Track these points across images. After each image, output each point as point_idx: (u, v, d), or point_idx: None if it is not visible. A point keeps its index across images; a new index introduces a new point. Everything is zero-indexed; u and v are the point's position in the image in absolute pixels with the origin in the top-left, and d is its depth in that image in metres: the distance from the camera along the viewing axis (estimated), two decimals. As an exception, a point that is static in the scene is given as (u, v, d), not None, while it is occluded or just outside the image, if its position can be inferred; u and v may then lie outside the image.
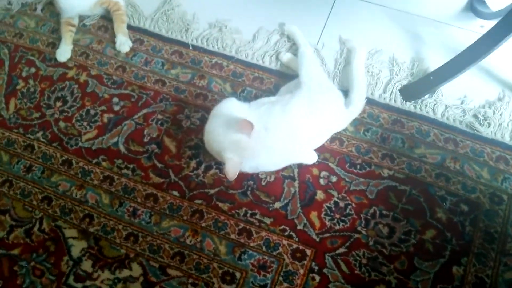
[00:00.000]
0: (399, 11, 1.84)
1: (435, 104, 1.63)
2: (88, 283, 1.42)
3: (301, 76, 1.54)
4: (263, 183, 1.53)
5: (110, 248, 1.46)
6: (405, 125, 1.60)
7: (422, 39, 1.77)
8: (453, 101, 1.63)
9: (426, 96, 1.64)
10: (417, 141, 1.57)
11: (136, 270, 1.43)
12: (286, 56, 1.74)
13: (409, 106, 1.63)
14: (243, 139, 1.32)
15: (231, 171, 1.32)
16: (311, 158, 1.52)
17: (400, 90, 1.66)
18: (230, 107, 1.45)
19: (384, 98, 1.65)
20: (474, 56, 1.45)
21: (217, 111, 1.45)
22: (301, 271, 1.40)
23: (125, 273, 1.43)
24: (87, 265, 1.44)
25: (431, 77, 1.60)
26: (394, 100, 1.65)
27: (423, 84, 1.63)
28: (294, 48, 1.75)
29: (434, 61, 1.69)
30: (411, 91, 1.65)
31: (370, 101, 1.63)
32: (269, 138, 1.38)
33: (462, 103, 1.63)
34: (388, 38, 1.78)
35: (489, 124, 1.57)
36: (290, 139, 1.42)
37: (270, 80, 1.71)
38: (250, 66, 1.74)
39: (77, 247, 1.47)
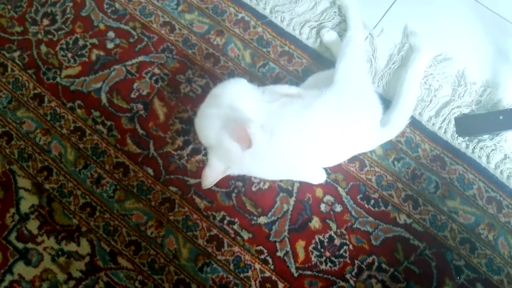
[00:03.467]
0: (492, 12, 1.40)
1: (492, 150, 1.28)
2: (30, 245, 1.25)
3: (337, 70, 1.18)
4: (254, 189, 1.27)
5: (62, 214, 1.26)
6: (447, 166, 1.27)
7: (508, 59, 1.36)
8: (517, 154, 1.28)
9: (485, 137, 1.29)
10: (454, 190, 1.25)
11: (84, 248, 1.24)
12: (329, 35, 1.36)
13: (460, 143, 1.29)
14: (236, 150, 1.04)
15: (208, 179, 1.06)
16: (317, 177, 1.24)
17: (456, 119, 1.31)
18: (237, 92, 1.13)
19: (433, 124, 1.30)
20: None
21: (219, 93, 1.13)
22: (265, 307, 1.19)
23: (72, 247, 1.24)
24: (33, 225, 1.26)
25: (501, 117, 1.24)
26: (445, 130, 1.30)
27: (488, 120, 1.27)
28: (342, 26, 1.37)
29: (513, 94, 1.30)
30: (469, 124, 1.30)
31: (414, 123, 1.30)
32: (272, 147, 1.08)
33: (528, 159, 1.28)
34: (466, 44, 1.38)
35: (552, 198, 1.23)
36: (299, 151, 1.12)
37: (301, 61, 1.36)
38: (282, 35, 1.38)
39: (28, 201, 1.28)
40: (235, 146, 1.02)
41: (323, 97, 1.12)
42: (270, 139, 1.07)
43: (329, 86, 1.14)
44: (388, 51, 1.37)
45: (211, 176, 1.07)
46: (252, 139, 0.98)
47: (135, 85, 1.36)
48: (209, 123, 1.08)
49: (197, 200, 1.27)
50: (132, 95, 1.35)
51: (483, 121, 1.28)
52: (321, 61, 1.36)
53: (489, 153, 1.28)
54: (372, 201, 1.25)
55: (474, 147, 1.29)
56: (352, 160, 1.27)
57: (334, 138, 1.12)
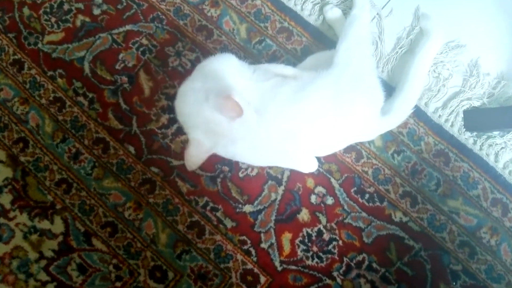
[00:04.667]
0: (515, -3, 1.27)
1: (502, 148, 1.18)
2: (1, 220, 1.18)
3: (337, 51, 1.09)
4: (241, 175, 1.18)
5: (36, 189, 1.19)
6: (451, 162, 1.17)
7: (528, 49, 1.24)
8: (529, 154, 1.18)
9: (495, 133, 1.19)
10: (456, 189, 1.16)
11: (58, 226, 1.17)
12: (333, 12, 1.25)
13: (467, 138, 1.19)
14: (222, 121, 0.95)
15: (192, 159, 0.98)
16: (308, 166, 1.15)
17: (465, 112, 1.20)
18: (225, 67, 1.04)
19: (439, 116, 1.20)
20: None
21: (206, 68, 1.04)
22: (245, 300, 1.12)
23: (45, 224, 1.17)
24: (6, 199, 1.19)
25: (515, 112, 1.13)
26: (452, 123, 1.20)
27: (500, 115, 1.17)
28: (348, 3, 1.25)
29: (530, 89, 1.20)
30: (479, 118, 1.20)
31: (418, 113, 1.20)
32: (261, 128, 1.00)
33: (540, 160, 1.17)
34: (481, 31, 1.25)
35: None
36: (290, 136, 1.03)
37: (301, 39, 1.25)
38: (282, 10, 1.27)
39: (1, 174, 1.20)
40: (220, 117, 0.94)
41: (320, 80, 1.03)
42: (259, 119, 0.98)
43: (327, 68, 1.05)
44: (396, 34, 1.26)
45: (195, 155, 0.98)
46: (241, 106, 0.90)
47: (120, 56, 1.26)
48: (193, 97, 0.99)
49: (180, 183, 1.19)
50: (117, 67, 1.25)
51: (494, 116, 1.18)
52: (322, 40, 1.25)
53: (498, 151, 1.18)
54: (367, 196, 1.17)
55: (482, 143, 1.19)
56: (348, 150, 1.18)
57: (329, 125, 1.04)
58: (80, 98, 1.24)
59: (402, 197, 1.17)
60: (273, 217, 1.16)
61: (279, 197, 1.17)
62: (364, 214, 1.16)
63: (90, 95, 1.24)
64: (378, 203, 1.16)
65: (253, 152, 1.06)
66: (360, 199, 1.17)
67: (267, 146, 1.05)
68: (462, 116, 1.20)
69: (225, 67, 1.03)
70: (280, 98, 1.01)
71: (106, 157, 1.20)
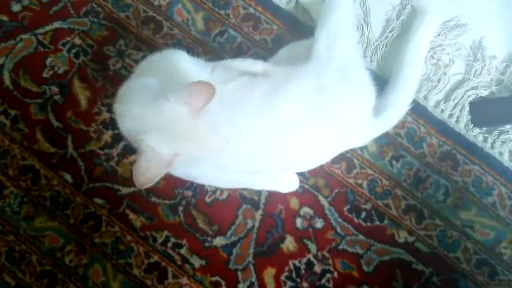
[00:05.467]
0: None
1: (518, 145, 1.00)
2: None
3: (317, 40, 0.91)
4: (208, 200, 0.98)
5: None
6: (460, 166, 1.00)
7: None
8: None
9: (508, 127, 1.03)
10: (468, 198, 1.00)
11: (-21, 282, 0.93)
12: (309, -7, 1.05)
13: (476, 135, 1.03)
14: (184, 119, 0.73)
15: (145, 174, 0.72)
16: (287, 184, 0.97)
17: (471, 104, 1.04)
18: (178, 65, 0.84)
19: (441, 111, 1.03)
20: None
21: (154, 63, 0.85)
22: None
23: (-38, 281, 0.93)
24: None
25: (532, 101, 0.95)
26: (457, 118, 1.03)
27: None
28: (325, -18, 1.05)
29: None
30: (488, 110, 1.05)
31: (417, 109, 1.03)
32: (224, 147, 0.79)
33: None
34: (484, 7, 1.08)
35: None
36: (264, 152, 0.86)
37: (271, 27, 1.05)
38: (246, -7, 1.06)
39: None
40: (183, 110, 0.72)
41: (298, 77, 0.86)
42: (222, 132, 0.79)
43: (305, 62, 0.88)
44: (385, 15, 1.08)
45: (149, 168, 0.73)
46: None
47: (48, 61, 1.04)
48: (145, 95, 0.76)
49: (132, 216, 0.98)
50: (45, 75, 1.04)
51: (505, 106, 1.02)
52: (297, 27, 1.06)
53: (513, 149, 1.00)
54: (363, 214, 0.99)
55: (494, 140, 1.02)
56: (337, 159, 0.99)
57: (312, 133, 0.87)
58: (1, 118, 1.00)
59: (406, 212, 0.99)
60: (251, 250, 0.98)
61: (257, 224, 0.98)
62: (361, 236, 0.98)
63: (13, 112, 1.02)
64: (377, 222, 0.99)
65: (217, 172, 0.88)
66: (355, 219, 0.99)
67: (234, 164, 0.87)
68: (468, 109, 1.03)
69: (178, 64, 0.84)
70: (248, 104, 0.84)
71: (37, 190, 0.99)
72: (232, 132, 0.80)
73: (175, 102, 0.72)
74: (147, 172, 0.72)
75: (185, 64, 0.84)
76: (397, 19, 1.06)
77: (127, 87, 0.80)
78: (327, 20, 0.93)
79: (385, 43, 1.06)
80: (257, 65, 0.91)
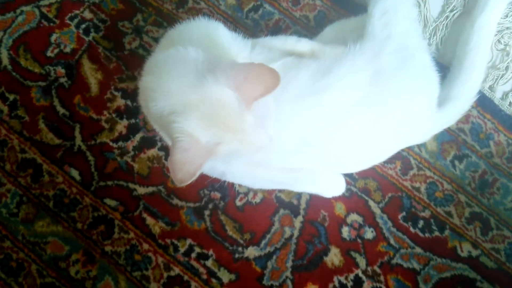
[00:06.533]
0: None
1: None
2: None
3: (372, 16, 0.80)
4: (239, 203, 0.87)
5: None
6: (533, 168, 0.86)
7: None
8: None
9: None
10: None
11: (-30, 296, 0.80)
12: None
13: None
14: (233, 103, 0.60)
15: (185, 167, 0.59)
16: (332, 188, 0.85)
17: None
18: (215, 38, 0.73)
19: (510, 104, 0.91)
20: None
21: (186, 30, 0.74)
22: None
23: (-50, 294, 0.80)
24: None
25: None
26: None
27: None
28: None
29: None
30: None
31: (482, 102, 0.92)
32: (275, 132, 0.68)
33: None
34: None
35: None
36: (309, 146, 0.76)
37: (314, 3, 0.97)
38: (286, -37, 0.95)
39: None
40: (233, 98, 0.60)
41: (351, 58, 0.76)
42: (269, 130, 0.67)
43: (359, 42, 0.77)
44: None
45: (189, 160, 0.60)
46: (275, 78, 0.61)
47: (53, 38, 0.94)
48: (184, 68, 0.64)
49: (149, 220, 0.86)
50: (49, 54, 0.93)
51: None
52: (343, 3, 0.95)
53: None
54: (421, 223, 0.87)
55: None
56: (391, 158, 0.86)
57: (367, 125, 0.76)
58: (-3, 103, 0.87)
59: (470, 221, 0.88)
60: (289, 263, 0.86)
61: (296, 233, 0.87)
62: (418, 249, 0.87)
63: (11, 97, 0.91)
64: (437, 233, 0.87)
65: (249, 167, 0.78)
66: (411, 229, 0.87)
67: (273, 159, 0.77)
68: (544, 102, 0.90)
69: (215, 36, 0.73)
70: (295, 88, 0.73)
71: (39, 188, 0.87)
72: (276, 123, 0.68)
73: (224, 84, 0.59)
74: (186, 165, 0.59)
75: (222, 37, 0.72)
76: (458, -3, 0.95)
77: (161, 58, 0.70)
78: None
79: (445, 24, 0.93)
80: (303, 44, 0.80)
